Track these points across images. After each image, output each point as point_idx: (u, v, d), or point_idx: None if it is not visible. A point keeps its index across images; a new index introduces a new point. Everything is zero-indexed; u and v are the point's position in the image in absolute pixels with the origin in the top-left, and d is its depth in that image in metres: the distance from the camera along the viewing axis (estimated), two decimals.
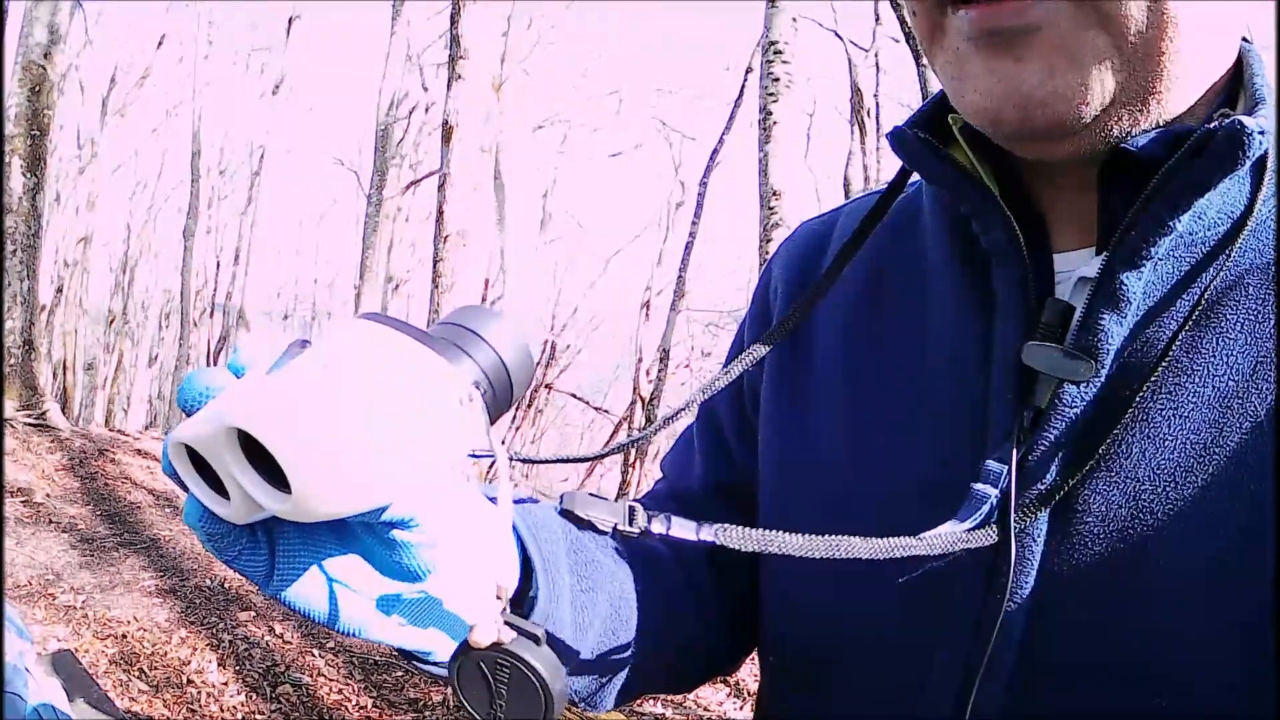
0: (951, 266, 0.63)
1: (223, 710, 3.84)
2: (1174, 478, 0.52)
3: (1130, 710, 0.52)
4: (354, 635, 0.52)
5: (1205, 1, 0.50)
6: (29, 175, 7.37)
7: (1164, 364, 0.52)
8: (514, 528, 0.60)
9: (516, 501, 0.63)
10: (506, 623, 0.48)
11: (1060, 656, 0.54)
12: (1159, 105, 0.51)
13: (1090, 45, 0.48)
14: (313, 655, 4.42)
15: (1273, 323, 0.52)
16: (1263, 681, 0.49)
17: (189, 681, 4.02)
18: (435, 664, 0.57)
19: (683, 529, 0.55)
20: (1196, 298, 0.52)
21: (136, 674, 4.02)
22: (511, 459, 0.53)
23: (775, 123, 5.84)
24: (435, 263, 6.29)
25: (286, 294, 27.91)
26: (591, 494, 0.59)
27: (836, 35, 11.33)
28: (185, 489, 0.45)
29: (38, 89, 7.42)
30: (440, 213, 6.37)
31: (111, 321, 20.12)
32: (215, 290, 21.87)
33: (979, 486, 0.55)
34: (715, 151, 12.89)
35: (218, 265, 22.20)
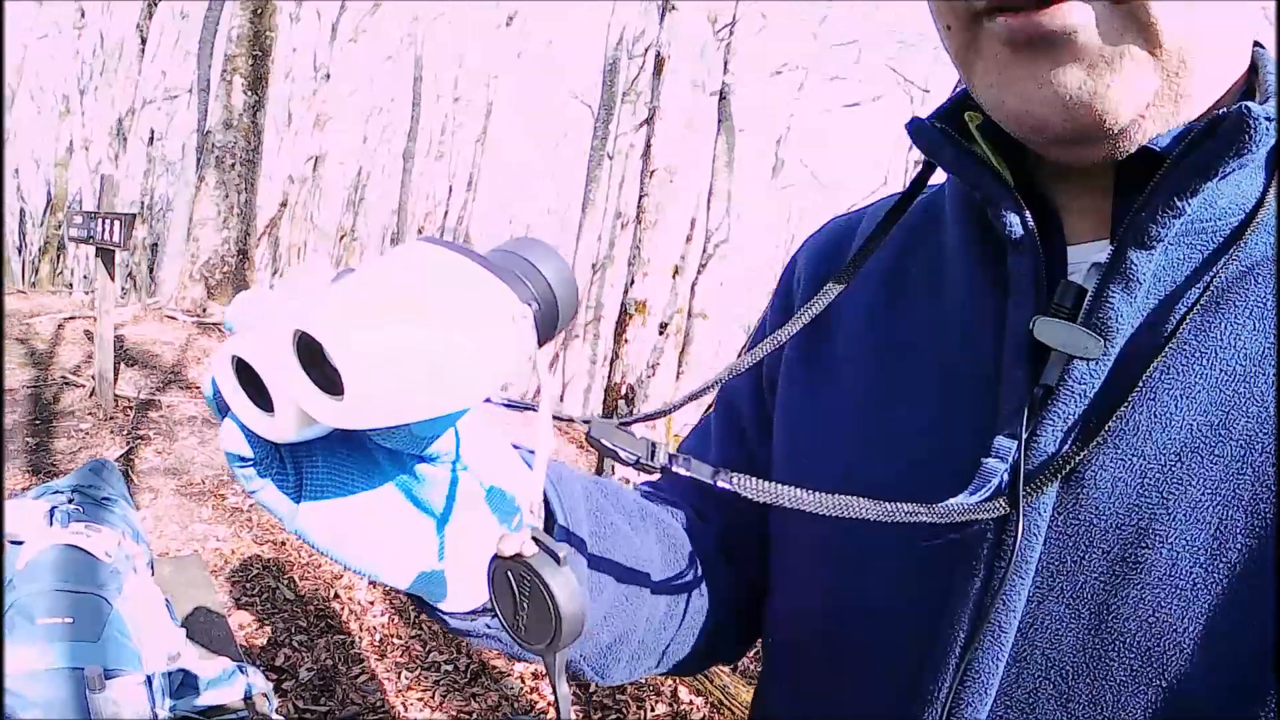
0: (969, 252, 0.64)
1: (361, 629, 3.89)
2: (1180, 457, 0.52)
3: (1127, 688, 0.52)
4: (367, 577, 0.53)
5: (1229, 1, 0.51)
6: (249, 94, 7.74)
7: (1173, 345, 0.53)
8: None
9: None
10: (533, 538, 0.49)
11: (1061, 632, 0.54)
12: (1188, 107, 0.53)
13: (1127, 50, 0.49)
14: None
15: None
16: (1256, 664, 0.49)
17: (335, 596, 4.11)
18: (446, 613, 0.58)
19: (700, 472, 0.56)
20: (1207, 284, 0.52)
21: (286, 582, 4.14)
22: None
23: None
24: (640, 198, 6.23)
25: (518, 222, 28.88)
26: (621, 427, 0.57)
27: None
28: (223, 413, 0.46)
29: (260, 11, 7.74)
30: (648, 147, 6.28)
31: (341, 237, 21.26)
32: (446, 214, 22.77)
33: (989, 461, 0.56)
34: None
35: (449, 190, 23.08)
